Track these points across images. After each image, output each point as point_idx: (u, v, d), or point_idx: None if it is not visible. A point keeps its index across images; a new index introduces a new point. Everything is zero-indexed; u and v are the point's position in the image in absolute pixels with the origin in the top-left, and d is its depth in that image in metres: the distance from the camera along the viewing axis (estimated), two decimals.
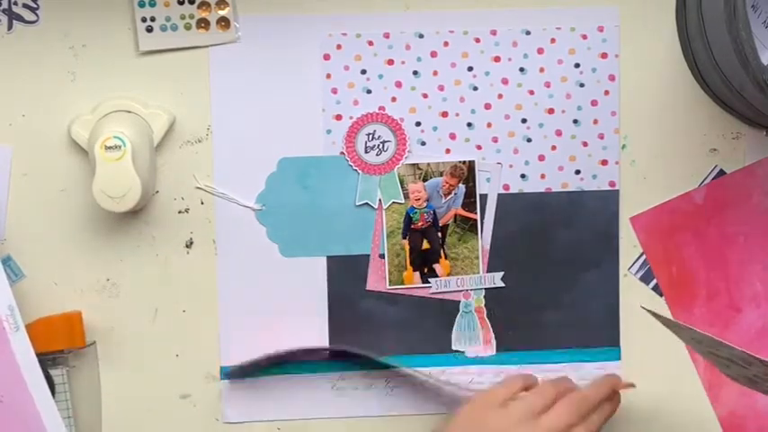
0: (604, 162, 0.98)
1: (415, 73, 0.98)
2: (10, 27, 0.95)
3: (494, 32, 0.97)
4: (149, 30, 0.95)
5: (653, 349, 1.00)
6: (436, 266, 0.99)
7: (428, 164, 0.98)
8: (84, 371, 0.97)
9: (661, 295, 1.00)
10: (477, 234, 0.99)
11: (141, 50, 0.96)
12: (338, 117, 0.98)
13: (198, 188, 0.98)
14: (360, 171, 0.98)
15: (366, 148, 0.98)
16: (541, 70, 0.98)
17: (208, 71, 0.97)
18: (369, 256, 0.99)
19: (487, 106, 0.98)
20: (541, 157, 0.98)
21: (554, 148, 0.98)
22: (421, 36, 0.97)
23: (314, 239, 0.98)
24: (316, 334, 0.99)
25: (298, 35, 0.97)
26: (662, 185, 0.99)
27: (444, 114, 0.98)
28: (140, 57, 0.96)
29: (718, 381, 1.00)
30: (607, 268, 0.99)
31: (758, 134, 0.98)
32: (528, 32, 0.97)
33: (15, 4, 0.95)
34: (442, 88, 0.98)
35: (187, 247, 0.98)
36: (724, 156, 0.99)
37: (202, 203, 0.98)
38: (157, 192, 0.97)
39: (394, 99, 0.98)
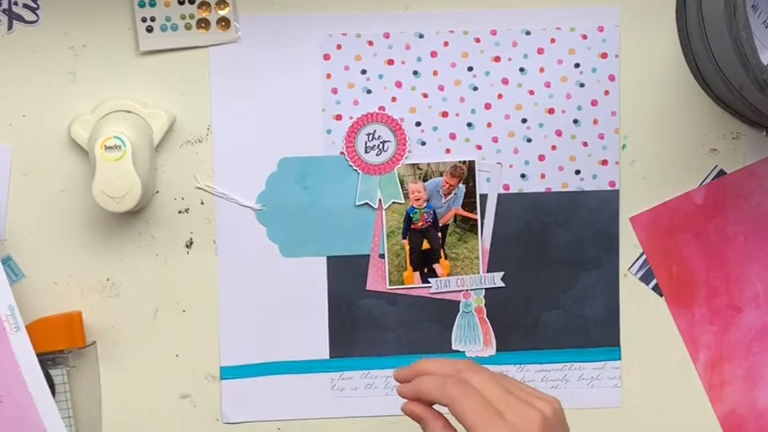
0: (604, 162, 0.98)
1: (415, 73, 0.98)
2: (10, 27, 0.95)
3: (494, 32, 0.97)
4: (149, 30, 0.95)
5: (653, 349, 1.00)
6: (436, 266, 0.99)
7: (428, 164, 0.98)
8: (84, 371, 0.97)
9: (661, 295, 1.00)
10: (477, 234, 0.99)
11: (141, 50, 0.96)
12: (338, 117, 0.98)
13: (198, 188, 0.98)
14: (360, 171, 0.98)
15: (366, 148, 0.98)
16: (541, 70, 0.98)
17: (208, 71, 0.97)
18: (369, 256, 0.99)
19: (487, 106, 0.98)
20: (541, 157, 0.98)
21: (554, 148, 0.98)
22: (421, 36, 0.97)
23: (314, 239, 0.98)
24: (316, 334, 0.99)
25: (298, 35, 0.97)
26: (662, 185, 0.99)
27: (444, 114, 0.98)
28: (140, 57, 0.96)
29: (718, 381, 1.00)
30: (607, 268, 0.99)
31: (758, 134, 0.98)
32: (528, 32, 0.97)
33: (15, 4, 0.95)
34: (442, 88, 0.98)
35: (187, 247, 0.98)
36: (724, 156, 0.99)
37: (202, 203, 0.98)
38: (157, 192, 0.97)
39: (394, 99, 0.98)
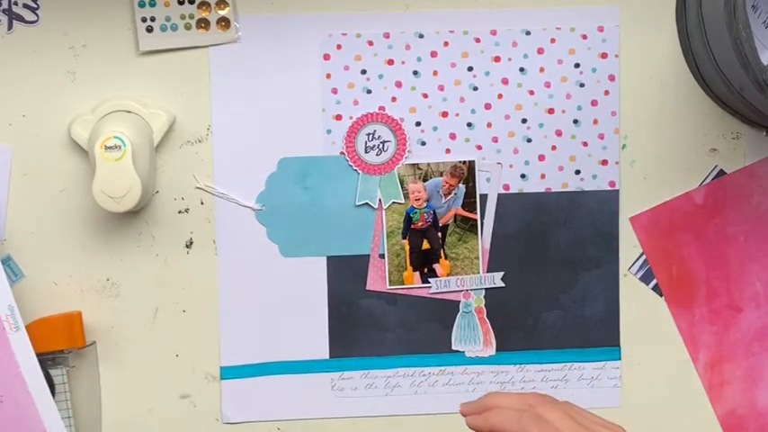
0: (604, 162, 0.98)
1: (415, 73, 0.98)
2: (10, 27, 0.95)
3: (494, 32, 0.97)
4: (149, 30, 0.95)
5: (653, 349, 1.00)
6: (436, 266, 0.99)
7: (428, 164, 0.98)
8: (84, 371, 0.97)
9: (661, 295, 1.00)
10: (477, 234, 0.99)
11: (141, 50, 0.96)
12: (338, 117, 0.98)
13: (198, 188, 0.98)
14: (360, 171, 0.98)
15: (366, 148, 0.98)
16: (541, 70, 0.98)
17: (208, 71, 0.97)
18: (369, 256, 0.99)
19: (487, 106, 0.98)
20: (541, 157, 0.98)
21: (554, 148, 0.98)
22: (421, 36, 0.97)
23: (314, 239, 0.98)
24: (315, 334, 0.99)
25: (298, 35, 0.97)
26: (662, 185, 0.99)
27: (444, 114, 0.98)
28: (140, 57, 0.96)
29: (718, 381, 1.00)
30: (607, 268, 0.99)
31: (758, 134, 0.98)
32: (528, 32, 0.97)
33: (15, 4, 0.95)
34: (442, 88, 0.98)
35: (187, 247, 0.98)
36: (724, 156, 0.99)
37: (202, 203, 0.98)
38: (157, 192, 0.97)
39: (394, 99, 0.98)
